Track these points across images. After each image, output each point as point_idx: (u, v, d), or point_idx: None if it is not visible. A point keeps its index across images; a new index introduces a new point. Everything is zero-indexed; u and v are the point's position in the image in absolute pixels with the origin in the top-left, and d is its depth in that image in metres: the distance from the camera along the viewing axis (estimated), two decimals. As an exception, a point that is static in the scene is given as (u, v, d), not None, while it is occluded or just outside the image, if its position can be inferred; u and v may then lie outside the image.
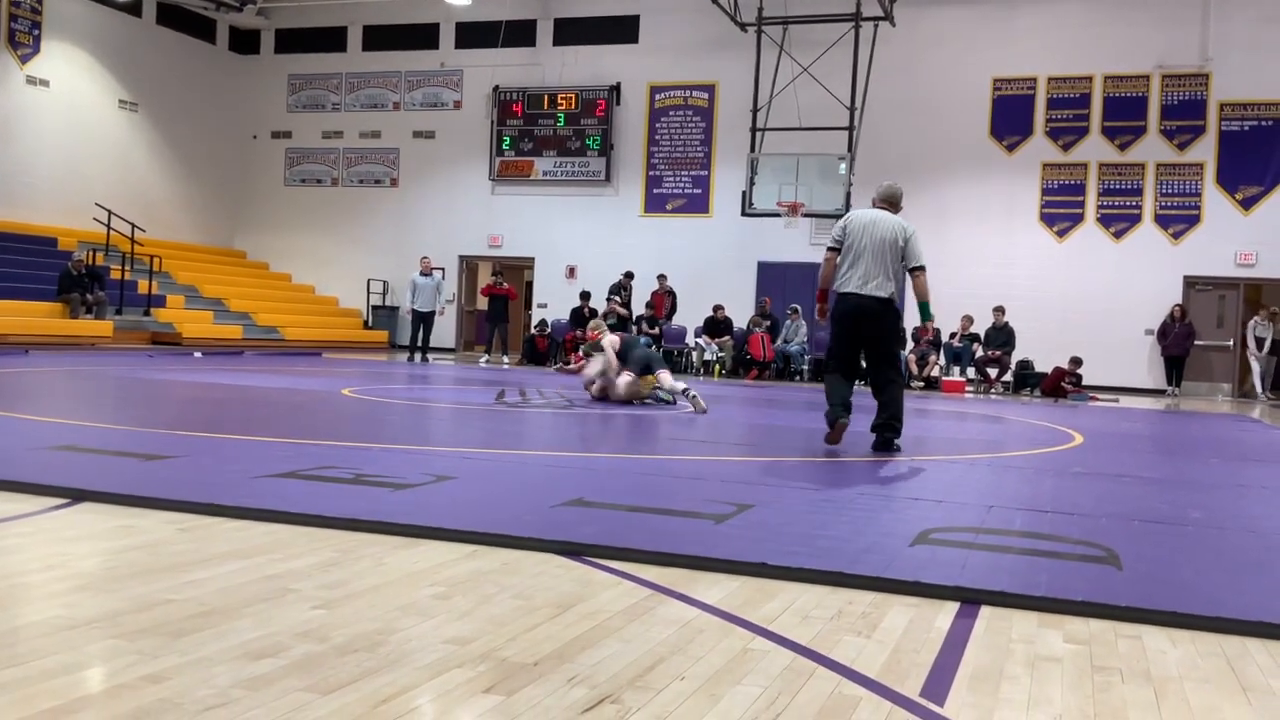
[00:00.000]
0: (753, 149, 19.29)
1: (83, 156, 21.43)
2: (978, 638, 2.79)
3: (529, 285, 23.72)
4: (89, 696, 2.08)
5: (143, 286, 19.48)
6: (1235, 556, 3.93)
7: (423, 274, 19.14)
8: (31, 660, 2.25)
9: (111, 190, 21.65)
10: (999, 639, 2.78)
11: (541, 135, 22.76)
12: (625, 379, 10.12)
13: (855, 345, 7.17)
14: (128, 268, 19.40)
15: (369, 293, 23.97)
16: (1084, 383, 17.16)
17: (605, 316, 19.35)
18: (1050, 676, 2.49)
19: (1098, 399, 16.41)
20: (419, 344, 19.09)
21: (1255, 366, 18.22)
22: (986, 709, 2.25)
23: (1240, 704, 2.36)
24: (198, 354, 16.82)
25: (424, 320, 18.96)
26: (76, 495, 4.12)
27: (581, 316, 19.76)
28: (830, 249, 7.21)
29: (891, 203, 7.41)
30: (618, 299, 19.86)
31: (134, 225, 20.42)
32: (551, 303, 22.37)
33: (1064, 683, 2.45)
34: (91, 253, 19.12)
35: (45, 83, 20.72)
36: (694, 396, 9.65)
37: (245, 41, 25.25)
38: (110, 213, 20.48)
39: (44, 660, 2.25)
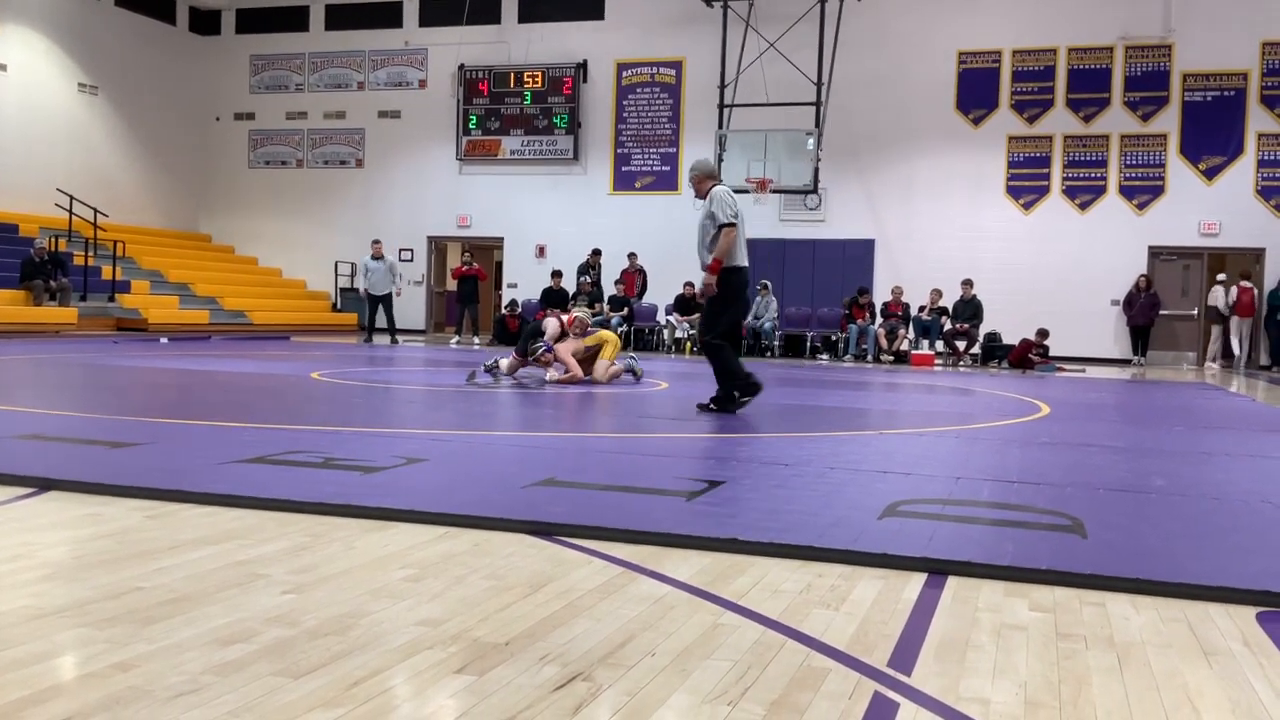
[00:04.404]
0: (720, 125, 19.29)
1: (42, 141, 21.12)
2: (945, 608, 2.82)
3: (498, 265, 23.64)
4: (59, 685, 2.07)
5: (107, 272, 19.26)
6: (1198, 523, 3.99)
7: (374, 258, 18.86)
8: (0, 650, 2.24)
9: (73, 175, 21.36)
10: (965, 608, 2.82)
11: (508, 114, 22.63)
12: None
13: None
14: (91, 253, 19.17)
15: (337, 275, 23.81)
16: (1051, 354, 17.33)
17: (575, 297, 19.39)
18: (1015, 645, 2.52)
19: (1065, 370, 16.57)
20: (376, 326, 18.96)
21: None
22: (952, 678, 2.28)
23: (1201, 668, 2.41)
24: (164, 340, 16.67)
25: (382, 302, 18.75)
26: (43, 484, 4.09)
27: (553, 295, 19.73)
28: (732, 224, 7.38)
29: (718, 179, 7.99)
30: (587, 278, 19.85)
31: (96, 210, 20.17)
32: (521, 282, 22.32)
33: (1029, 651, 2.48)
34: (54, 239, 18.87)
35: (2, 67, 20.39)
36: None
37: (206, 22, 24.92)
38: (72, 198, 20.22)
39: (12, 650, 2.24)
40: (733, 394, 7.59)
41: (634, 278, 20.28)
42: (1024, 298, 19.33)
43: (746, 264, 7.65)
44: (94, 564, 3.00)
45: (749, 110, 19.31)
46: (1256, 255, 19.00)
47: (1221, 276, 18.74)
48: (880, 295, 19.43)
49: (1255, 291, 18.47)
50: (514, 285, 22.50)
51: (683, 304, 19.55)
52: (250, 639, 2.37)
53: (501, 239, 23.05)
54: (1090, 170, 19.54)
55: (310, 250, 24.17)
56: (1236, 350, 18.41)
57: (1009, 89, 19.91)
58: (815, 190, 19.17)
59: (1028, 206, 19.83)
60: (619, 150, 22.06)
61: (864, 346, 18.48)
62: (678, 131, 21.68)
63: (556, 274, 20.19)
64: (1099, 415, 8.74)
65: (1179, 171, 19.16)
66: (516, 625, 2.54)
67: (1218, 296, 18.51)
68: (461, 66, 22.87)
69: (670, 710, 2.04)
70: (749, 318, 19.16)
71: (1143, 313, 18.67)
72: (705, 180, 7.78)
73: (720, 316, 7.60)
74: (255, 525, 3.55)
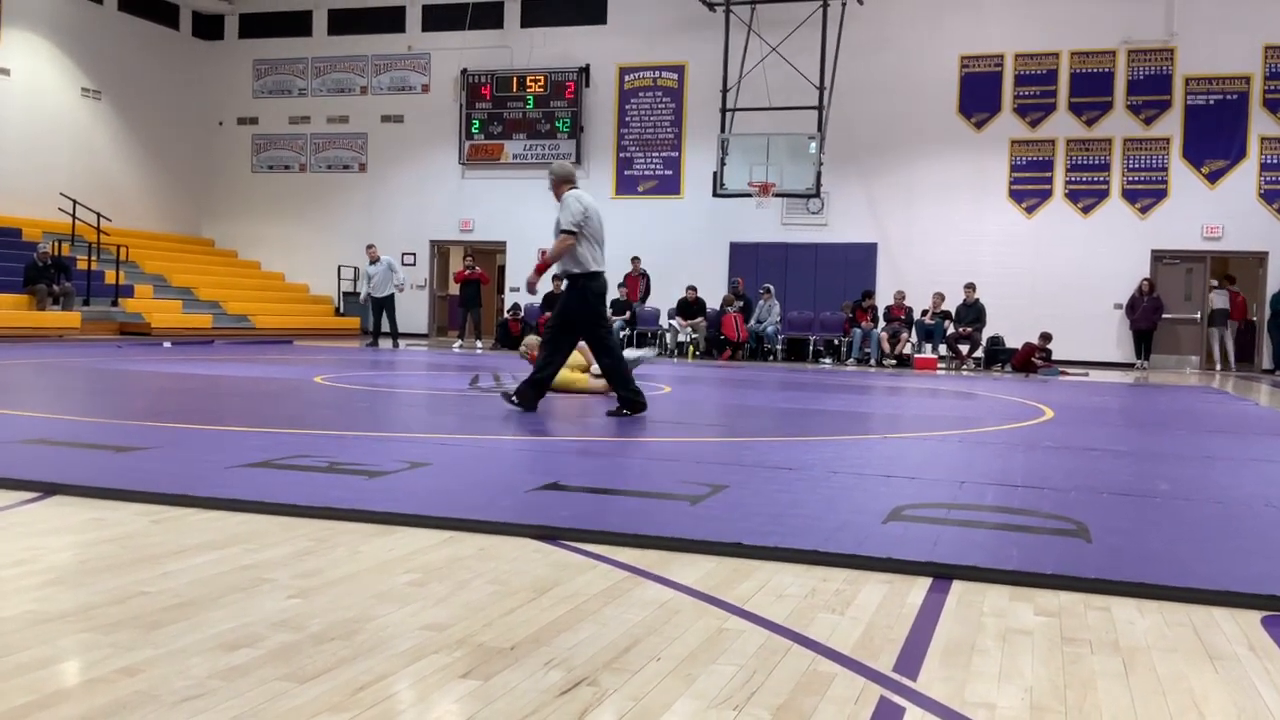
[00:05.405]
0: (723, 129, 19.29)
1: (46, 146, 21.16)
2: (950, 612, 2.82)
3: (501, 269, 23.64)
4: (64, 690, 2.07)
5: (110, 276, 19.28)
6: (1202, 527, 3.99)
7: (371, 262, 18.89)
8: (4, 655, 2.24)
9: (76, 180, 21.39)
10: (970, 613, 2.81)
11: (511, 118, 22.65)
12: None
13: None
14: (94, 258, 19.20)
15: (339, 279, 23.82)
16: (1054, 357, 17.33)
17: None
18: (1021, 649, 2.52)
19: (1068, 373, 16.56)
20: (380, 329, 18.96)
21: None
22: (958, 682, 2.28)
23: (1206, 671, 2.41)
24: (167, 344, 16.68)
25: (384, 305, 18.77)
26: (48, 489, 4.09)
27: (555, 299, 19.72)
28: (572, 231, 7.38)
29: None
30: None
31: (99, 215, 20.19)
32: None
33: (1034, 655, 2.48)
34: (57, 243, 18.90)
35: (6, 71, 20.42)
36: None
37: (209, 26, 24.97)
38: (75, 202, 20.24)
39: (17, 655, 2.24)
40: (636, 396, 7.40)
41: (637, 281, 20.28)
42: (1027, 301, 19.32)
43: (602, 269, 7.57)
44: (99, 568, 3.00)
45: (751, 114, 19.32)
46: (1260, 259, 19.00)
47: (1214, 282, 18.85)
48: (883, 299, 19.42)
49: (1244, 297, 18.71)
50: (516, 289, 22.50)
51: (685, 308, 19.56)
52: (256, 644, 2.37)
53: (504, 243, 23.06)
54: (1093, 174, 19.54)
55: (313, 254, 24.19)
56: (1227, 355, 18.71)
57: (1011, 93, 19.91)
58: (817, 194, 19.17)
59: (1030, 210, 19.82)
60: (621, 154, 22.07)
61: (867, 350, 18.47)
62: (680, 135, 21.69)
63: (558, 278, 20.14)
64: (1102, 419, 8.73)
65: (1181, 175, 19.15)
66: (521, 630, 2.54)
67: (1224, 300, 18.58)
68: (464, 71, 22.89)
69: (676, 715, 2.04)
70: (751, 320, 19.19)
71: (1145, 316, 18.67)
72: (561, 185, 7.73)
73: (572, 326, 7.58)
74: (260, 530, 3.55)
